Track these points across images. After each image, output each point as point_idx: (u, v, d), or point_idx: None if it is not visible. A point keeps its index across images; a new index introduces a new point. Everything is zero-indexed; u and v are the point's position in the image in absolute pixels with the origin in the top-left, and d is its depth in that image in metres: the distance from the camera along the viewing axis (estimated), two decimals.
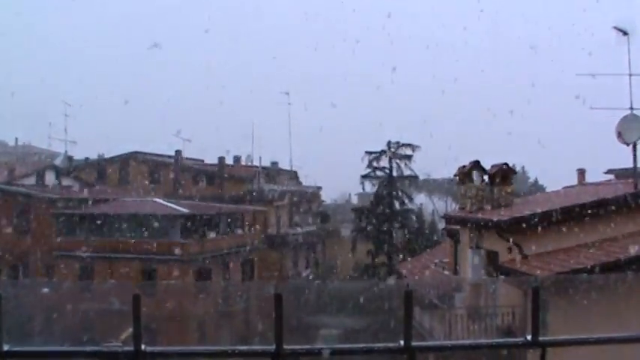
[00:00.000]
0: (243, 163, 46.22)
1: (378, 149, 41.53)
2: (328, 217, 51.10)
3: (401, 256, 37.02)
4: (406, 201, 41.55)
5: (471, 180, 16.79)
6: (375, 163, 41.40)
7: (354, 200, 69.61)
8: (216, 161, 44.15)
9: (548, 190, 33.40)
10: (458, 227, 17.45)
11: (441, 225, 31.15)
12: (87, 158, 45.14)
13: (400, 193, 41.56)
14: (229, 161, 45.90)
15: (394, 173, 41.20)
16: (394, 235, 40.41)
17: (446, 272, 18.95)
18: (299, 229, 44.59)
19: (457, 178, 17.90)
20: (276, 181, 46.20)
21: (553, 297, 11.11)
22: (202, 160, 46.00)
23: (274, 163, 48.28)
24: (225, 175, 42.29)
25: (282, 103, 52.87)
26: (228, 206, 37.49)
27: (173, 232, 30.85)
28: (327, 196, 59.14)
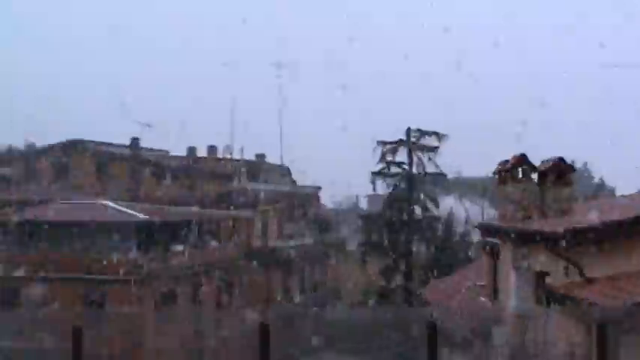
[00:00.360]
0: (220, 155, 46.26)
1: (395, 139, 41.16)
2: (330, 226, 51.44)
3: (423, 276, 37.06)
4: (430, 206, 41.18)
5: (516, 179, 16.40)
6: (390, 157, 41.00)
7: (363, 204, 69.98)
8: (185, 153, 44.49)
9: (618, 192, 33.02)
10: (497, 240, 17.13)
11: (476, 237, 30.95)
12: (10, 147, 44.76)
13: (422, 196, 41.19)
14: (202, 152, 46.07)
15: (415, 170, 40.84)
16: (415, 249, 40.23)
17: (482, 299, 18.91)
18: (292, 242, 44.60)
19: (497, 176, 17.54)
20: (263, 179, 46.37)
21: (625, 335, 10.67)
22: (167, 152, 46.08)
23: (260, 156, 48.28)
24: (197, 171, 42.41)
25: (271, 78, 53.24)
26: (200, 211, 37.56)
27: (127, 244, 30.74)
28: (329, 199, 59.84)
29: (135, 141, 42.44)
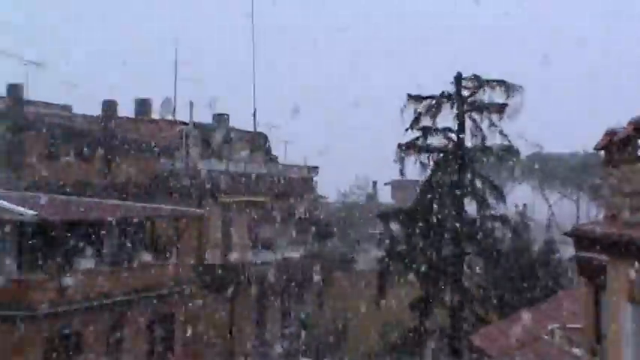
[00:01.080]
0: (156, 115, 46.68)
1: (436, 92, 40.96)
2: (331, 230, 51.38)
3: (480, 312, 36.98)
4: (492, 199, 40.98)
5: (636, 157, 16.17)
6: (428, 120, 40.74)
7: (385, 195, 70.02)
8: (99, 110, 44.30)
9: None
10: (603, 257, 16.89)
11: (567, 250, 30.53)
12: None
13: (480, 183, 40.99)
14: (127, 110, 46.24)
15: (469, 141, 40.63)
16: (467, 269, 40.15)
17: (575, 351, 19.18)
18: (270, 255, 44.61)
19: (602, 153, 17.52)
20: (226, 154, 46.57)
21: None
22: (70, 108, 46.27)
23: (221, 118, 48.67)
24: (118, 139, 42.59)
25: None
26: (123, 205, 37.74)
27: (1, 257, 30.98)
28: (330, 187, 59.82)
29: (15, 89, 42.80)
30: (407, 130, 40.49)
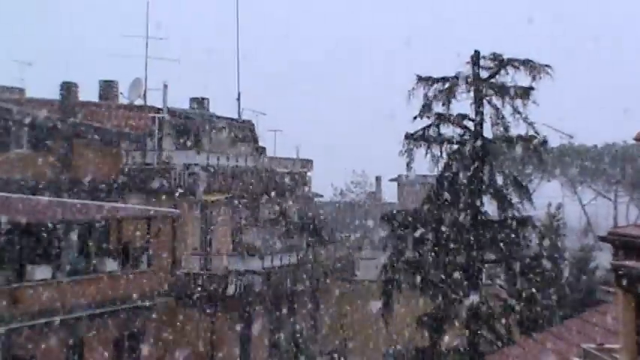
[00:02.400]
0: (124, 100, 47.24)
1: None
2: (327, 233, 51.59)
3: (502, 329, 37.14)
4: (515, 197, 40.83)
5: None
6: (440, 105, 40.54)
7: (390, 193, 69.98)
8: (57, 93, 44.38)
9: None
10: None
11: (604, 258, 30.35)
12: None
13: (502, 179, 40.83)
14: (89, 94, 46.76)
15: (487, 130, 40.46)
16: (485, 278, 40.15)
17: None
18: (257, 262, 44.58)
19: None
20: (205, 145, 46.76)
21: None
22: (22, 91, 47.10)
23: (199, 103, 49.33)
24: (79, 127, 42.83)
25: None
26: (84, 204, 37.82)
27: None
28: (326, 184, 59.84)
29: None
30: (416, 117, 40.28)
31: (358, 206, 65.56)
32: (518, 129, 40.33)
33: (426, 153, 40.52)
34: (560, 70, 40.13)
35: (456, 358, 39.16)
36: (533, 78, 39.79)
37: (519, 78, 40.16)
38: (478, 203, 39.99)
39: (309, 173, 54.09)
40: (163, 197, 41.34)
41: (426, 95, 40.23)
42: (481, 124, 40.28)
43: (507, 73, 40.21)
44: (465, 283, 39.40)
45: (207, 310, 41.28)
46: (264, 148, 53.78)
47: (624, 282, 19.04)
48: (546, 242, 43.48)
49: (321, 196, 60.74)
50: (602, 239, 22.43)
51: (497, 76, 40.27)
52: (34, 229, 33.75)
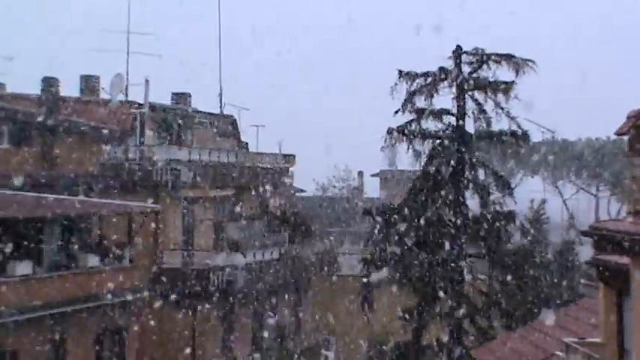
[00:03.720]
0: (105, 94, 46.92)
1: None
2: (309, 229, 51.59)
3: (483, 324, 37.35)
4: (497, 193, 40.95)
5: None
6: (423, 100, 40.61)
7: (372, 189, 70.12)
8: (38, 89, 44.23)
9: None
10: (627, 261, 17.26)
11: (585, 252, 30.44)
12: None
13: (483, 174, 40.95)
14: (70, 89, 46.57)
15: (469, 125, 40.55)
16: (468, 274, 39.99)
17: None
18: (239, 258, 44.67)
19: (626, 139, 17.85)
20: (186, 140, 46.71)
21: None
22: (3, 86, 46.89)
23: (181, 98, 49.19)
24: (60, 122, 42.73)
25: None
26: (65, 199, 37.80)
27: None
28: (307, 179, 59.96)
29: None
30: (397, 112, 40.34)
31: (341, 201, 65.52)
32: (500, 124, 40.52)
33: (408, 148, 40.67)
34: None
35: (438, 353, 39.31)
36: (517, 73, 39.94)
37: (502, 73, 40.35)
38: (460, 198, 40.12)
39: (291, 168, 54.10)
40: (145, 192, 41.16)
41: (408, 90, 40.35)
42: (463, 119, 40.43)
43: (490, 68, 40.35)
44: (448, 277, 39.54)
45: (190, 306, 41.18)
46: (246, 143, 53.79)
47: (605, 276, 19.24)
48: (529, 237, 43.61)
49: (304, 191, 60.82)
50: (584, 234, 22.53)
51: (479, 71, 40.38)
52: (14, 225, 33.56)
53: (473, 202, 40.88)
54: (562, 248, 44.81)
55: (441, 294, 39.39)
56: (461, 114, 40.38)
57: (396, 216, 40.42)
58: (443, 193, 40.15)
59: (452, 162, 40.29)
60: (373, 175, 70.59)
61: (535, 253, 42.79)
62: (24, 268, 33.57)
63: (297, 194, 57.94)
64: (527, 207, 45.72)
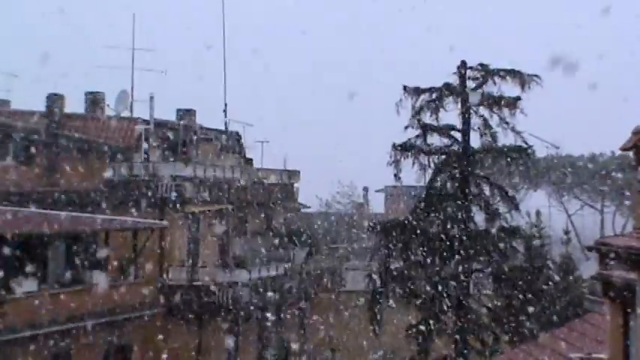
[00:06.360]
0: (110, 112, 46.89)
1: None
2: (315, 244, 51.28)
3: (489, 340, 37.28)
4: (502, 208, 40.86)
5: None
6: (428, 116, 40.58)
7: (377, 204, 70.01)
8: (43, 106, 44.27)
9: None
10: (634, 276, 17.24)
11: (590, 268, 30.31)
12: None
13: (488, 190, 40.86)
14: (75, 106, 46.42)
15: (475, 140, 40.51)
16: (474, 289, 40.12)
17: None
18: (244, 274, 44.55)
19: (632, 154, 17.98)
20: (192, 157, 46.71)
21: None
22: (8, 102, 46.89)
23: (186, 114, 49.00)
24: (65, 139, 42.66)
25: None
26: (70, 216, 37.69)
27: None
28: (312, 195, 59.73)
29: None
30: (407, 127, 40.30)
31: (345, 217, 65.33)
32: (506, 139, 40.44)
33: (414, 163, 40.59)
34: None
35: None
36: (522, 88, 39.87)
37: (508, 88, 40.30)
38: (465, 214, 40.01)
39: (296, 184, 53.98)
40: (151, 209, 41.13)
41: (413, 106, 40.30)
42: (468, 134, 40.35)
43: (494, 84, 40.30)
44: (453, 292, 39.42)
45: (195, 322, 41.07)
46: (251, 159, 53.68)
47: (611, 292, 19.09)
48: (533, 252, 43.45)
49: (309, 207, 60.63)
50: (590, 249, 22.47)
51: (484, 87, 40.33)
52: (19, 241, 33.46)
53: (478, 217, 40.85)
54: (561, 262, 44.72)
55: (447, 309, 39.35)
56: (466, 129, 40.36)
57: (400, 231, 40.40)
58: (448, 208, 40.13)
59: (457, 178, 40.30)
60: (378, 191, 70.51)
61: (541, 268, 42.66)
62: (29, 284, 33.40)
63: (302, 210, 57.78)
64: (525, 222, 45.58)
